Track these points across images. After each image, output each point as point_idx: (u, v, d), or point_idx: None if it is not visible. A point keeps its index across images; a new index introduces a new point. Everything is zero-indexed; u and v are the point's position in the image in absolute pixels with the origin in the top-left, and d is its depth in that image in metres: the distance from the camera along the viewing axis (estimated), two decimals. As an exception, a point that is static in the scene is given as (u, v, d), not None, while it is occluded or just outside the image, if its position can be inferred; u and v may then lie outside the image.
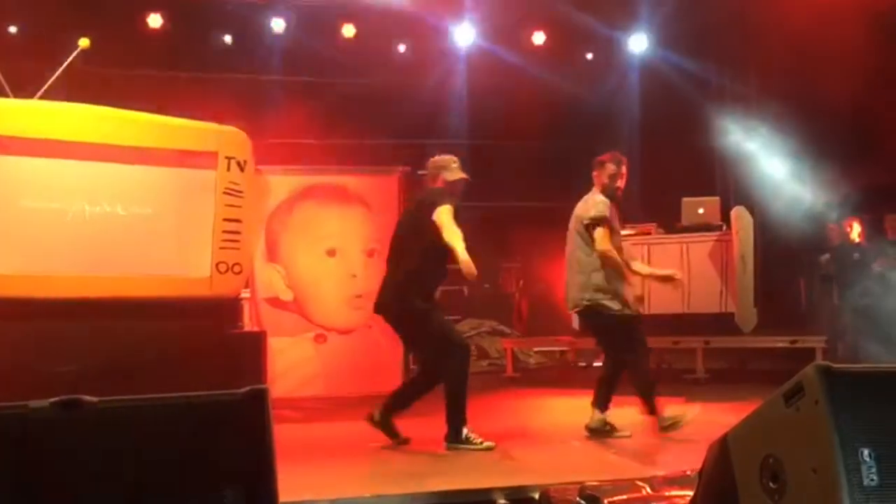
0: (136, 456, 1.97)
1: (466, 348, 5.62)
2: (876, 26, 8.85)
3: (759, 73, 11.98)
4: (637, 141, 12.61)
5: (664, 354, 10.58)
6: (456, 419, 5.40)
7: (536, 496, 3.93)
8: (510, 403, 8.18)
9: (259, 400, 2.09)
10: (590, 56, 13.39)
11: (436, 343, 5.51)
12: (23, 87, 6.35)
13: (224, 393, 2.07)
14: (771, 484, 2.24)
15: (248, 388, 2.09)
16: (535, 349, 11.64)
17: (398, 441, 5.58)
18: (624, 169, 5.97)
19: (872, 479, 2.06)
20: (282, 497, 2.16)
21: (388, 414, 5.60)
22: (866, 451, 2.08)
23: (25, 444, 1.86)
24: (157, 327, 6.23)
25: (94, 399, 1.96)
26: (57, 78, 6.40)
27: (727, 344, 9.67)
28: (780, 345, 9.12)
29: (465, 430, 5.38)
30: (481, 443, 5.35)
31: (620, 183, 5.94)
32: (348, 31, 11.81)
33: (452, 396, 5.41)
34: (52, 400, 1.91)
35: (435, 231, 5.35)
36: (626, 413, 5.98)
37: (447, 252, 5.34)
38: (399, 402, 5.67)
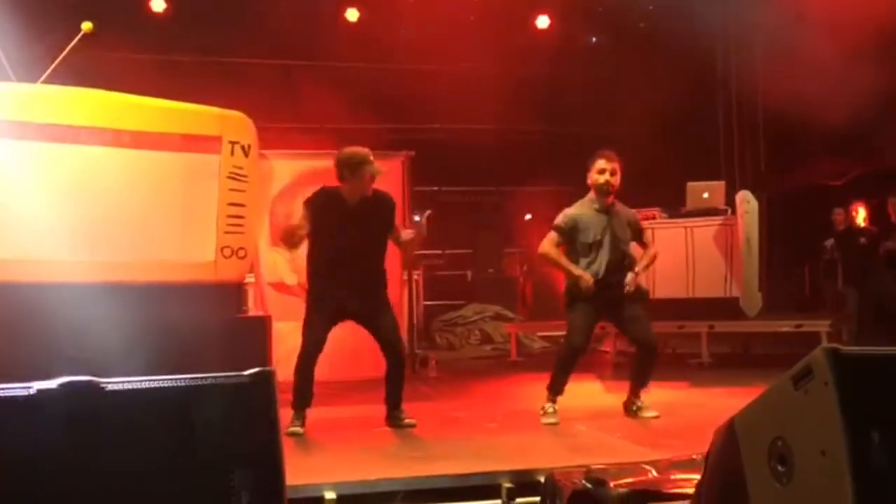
0: (142, 438, 1.96)
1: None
2: (882, 7, 8.80)
3: (764, 54, 11.93)
4: (642, 124, 12.56)
5: (669, 339, 10.58)
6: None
7: (542, 480, 3.93)
8: (514, 388, 8.19)
9: (266, 382, 2.09)
10: (594, 39, 13.36)
11: None
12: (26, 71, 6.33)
13: (231, 375, 2.07)
14: (779, 467, 2.23)
15: (254, 371, 2.08)
16: (540, 334, 11.64)
17: None
18: (600, 163, 5.97)
19: (882, 462, 2.05)
20: (287, 480, 2.16)
21: None
22: (876, 434, 2.07)
23: (32, 426, 1.86)
24: (161, 312, 6.22)
25: (101, 381, 1.95)
26: (60, 62, 6.37)
27: (732, 328, 9.67)
28: (785, 329, 9.13)
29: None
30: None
31: (598, 178, 5.96)
32: (352, 14, 11.78)
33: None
34: (59, 381, 1.90)
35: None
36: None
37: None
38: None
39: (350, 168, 5.73)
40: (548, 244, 6.02)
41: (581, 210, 6.05)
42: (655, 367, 6.11)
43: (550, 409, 5.93)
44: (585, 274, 5.88)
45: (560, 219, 6.05)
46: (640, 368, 6.12)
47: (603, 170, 5.95)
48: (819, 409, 2.12)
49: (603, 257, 5.96)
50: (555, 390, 6.01)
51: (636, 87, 12.74)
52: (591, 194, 6.04)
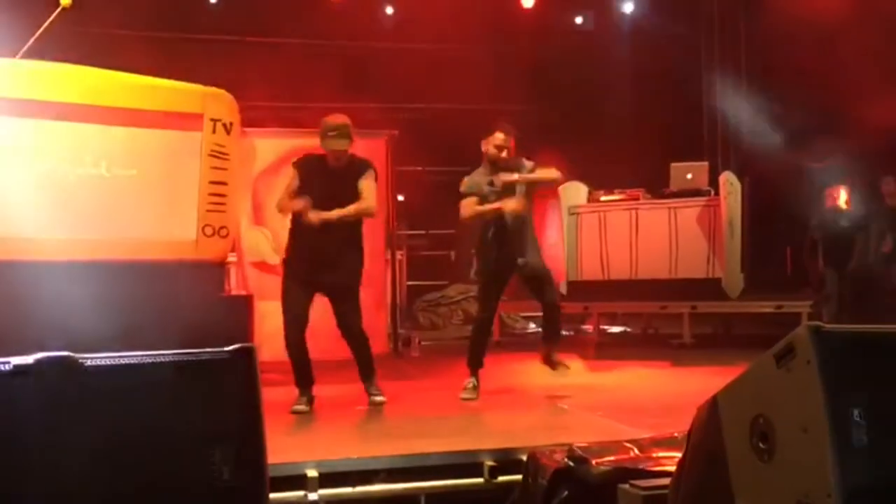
0: (122, 414, 1.94)
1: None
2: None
3: (749, 38, 11.93)
4: (626, 105, 12.55)
5: (651, 319, 10.63)
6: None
7: (524, 458, 3.93)
8: (497, 367, 8.18)
9: (246, 358, 2.07)
10: (580, 20, 13.32)
11: None
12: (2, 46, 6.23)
13: (212, 351, 2.05)
14: (760, 444, 2.24)
15: (235, 347, 2.06)
16: (522, 314, 11.64)
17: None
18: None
19: (862, 439, 2.06)
20: (269, 458, 2.15)
21: None
22: (857, 411, 2.07)
23: (8, 402, 1.84)
24: (142, 291, 6.18)
25: (80, 356, 1.93)
26: (38, 37, 6.28)
27: (714, 309, 9.71)
28: (766, 310, 9.18)
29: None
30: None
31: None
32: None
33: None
34: (36, 356, 1.88)
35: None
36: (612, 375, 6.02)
37: None
38: None
39: (321, 136, 5.82)
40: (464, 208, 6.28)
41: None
42: (560, 324, 6.34)
43: (470, 385, 6.05)
44: (509, 202, 6.00)
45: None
46: (546, 326, 6.29)
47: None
48: (801, 387, 2.13)
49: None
50: (471, 365, 6.13)
51: (621, 68, 12.73)
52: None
